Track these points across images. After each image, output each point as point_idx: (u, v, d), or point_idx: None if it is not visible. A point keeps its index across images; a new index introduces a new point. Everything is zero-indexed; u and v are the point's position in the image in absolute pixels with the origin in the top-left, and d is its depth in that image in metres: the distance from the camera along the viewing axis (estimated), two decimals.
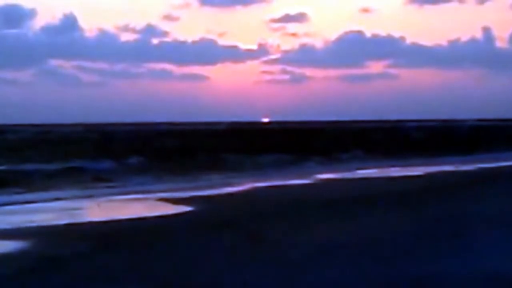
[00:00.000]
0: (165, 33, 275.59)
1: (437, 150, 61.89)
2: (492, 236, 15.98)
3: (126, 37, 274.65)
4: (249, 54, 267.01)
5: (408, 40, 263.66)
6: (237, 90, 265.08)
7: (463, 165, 45.90)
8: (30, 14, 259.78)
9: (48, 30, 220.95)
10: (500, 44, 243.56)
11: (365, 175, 38.47)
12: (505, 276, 12.08)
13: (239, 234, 17.18)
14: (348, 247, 14.94)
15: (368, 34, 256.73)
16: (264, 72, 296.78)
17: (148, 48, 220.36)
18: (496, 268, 12.60)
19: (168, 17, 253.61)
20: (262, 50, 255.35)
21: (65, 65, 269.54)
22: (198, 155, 53.76)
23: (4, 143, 74.50)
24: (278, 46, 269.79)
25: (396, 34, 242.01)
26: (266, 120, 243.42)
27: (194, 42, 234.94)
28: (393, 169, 43.23)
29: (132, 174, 39.25)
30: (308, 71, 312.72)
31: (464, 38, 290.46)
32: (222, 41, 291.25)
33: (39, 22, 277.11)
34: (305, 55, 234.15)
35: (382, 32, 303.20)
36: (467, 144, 69.35)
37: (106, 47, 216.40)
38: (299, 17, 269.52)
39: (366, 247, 14.94)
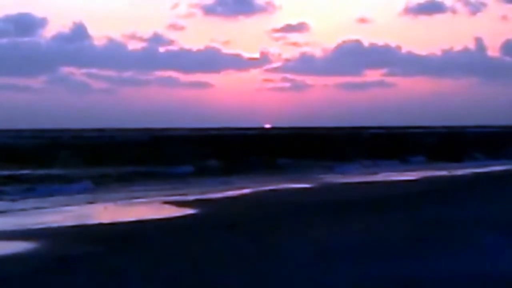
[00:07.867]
0: (171, 42, 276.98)
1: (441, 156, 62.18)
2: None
3: (133, 45, 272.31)
4: (252, 63, 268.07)
5: (404, 49, 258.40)
6: (240, 97, 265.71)
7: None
8: (42, 22, 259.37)
9: (58, 38, 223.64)
10: (491, 53, 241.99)
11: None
12: (497, 277, 12.15)
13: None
14: (347, 248, 15.18)
15: (365, 43, 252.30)
16: (266, 80, 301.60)
17: (154, 56, 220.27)
18: (490, 269, 12.70)
19: (174, 26, 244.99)
20: (264, 59, 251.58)
21: (75, 72, 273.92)
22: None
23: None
24: (280, 54, 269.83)
25: (392, 43, 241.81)
26: (268, 126, 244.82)
27: (199, 51, 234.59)
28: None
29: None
30: (308, 79, 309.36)
31: (457, 47, 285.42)
32: (226, 50, 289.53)
33: (50, 31, 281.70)
34: (305, 64, 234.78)
35: (379, 42, 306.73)
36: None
37: (114, 55, 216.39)
38: (300, 27, 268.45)
39: (364, 248, 15.11)
